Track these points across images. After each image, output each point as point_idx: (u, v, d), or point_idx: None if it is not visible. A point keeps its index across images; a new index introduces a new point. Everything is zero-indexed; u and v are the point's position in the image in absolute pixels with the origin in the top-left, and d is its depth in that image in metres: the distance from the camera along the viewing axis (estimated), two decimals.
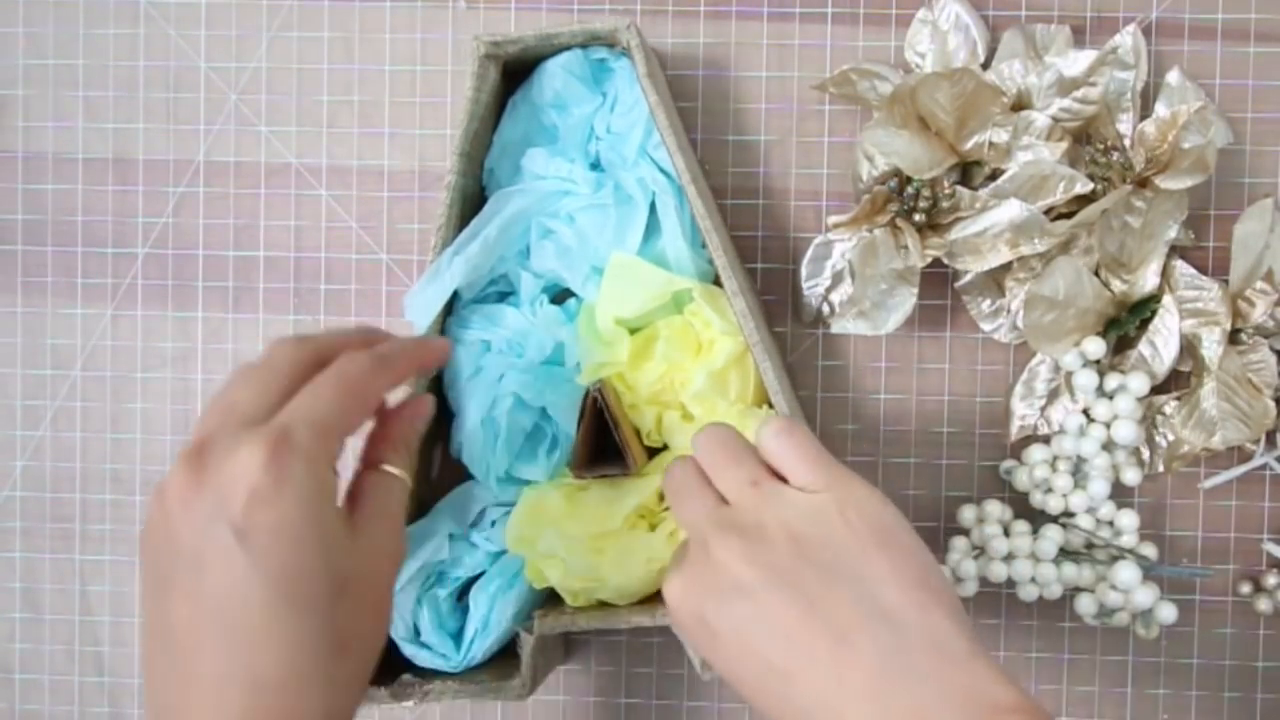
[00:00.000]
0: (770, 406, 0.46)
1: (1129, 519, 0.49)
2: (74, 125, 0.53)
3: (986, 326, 0.50)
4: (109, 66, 0.53)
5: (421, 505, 0.48)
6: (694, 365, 0.46)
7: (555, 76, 0.47)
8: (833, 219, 0.48)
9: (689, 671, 0.52)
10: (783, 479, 0.37)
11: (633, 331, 0.47)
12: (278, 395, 0.36)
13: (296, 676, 0.33)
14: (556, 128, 0.48)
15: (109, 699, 0.54)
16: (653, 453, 0.48)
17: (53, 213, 0.53)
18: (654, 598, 0.46)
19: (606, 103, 0.48)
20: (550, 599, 0.48)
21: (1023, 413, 0.50)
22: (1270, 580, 0.50)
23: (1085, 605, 0.49)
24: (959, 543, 0.49)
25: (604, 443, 0.48)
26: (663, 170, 0.47)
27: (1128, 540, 0.49)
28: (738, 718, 0.52)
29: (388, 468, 0.39)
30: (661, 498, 0.47)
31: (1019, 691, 0.32)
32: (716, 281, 0.47)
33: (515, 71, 0.48)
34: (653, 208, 0.47)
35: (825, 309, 0.50)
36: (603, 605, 0.46)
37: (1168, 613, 0.48)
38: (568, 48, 0.47)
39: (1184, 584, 0.51)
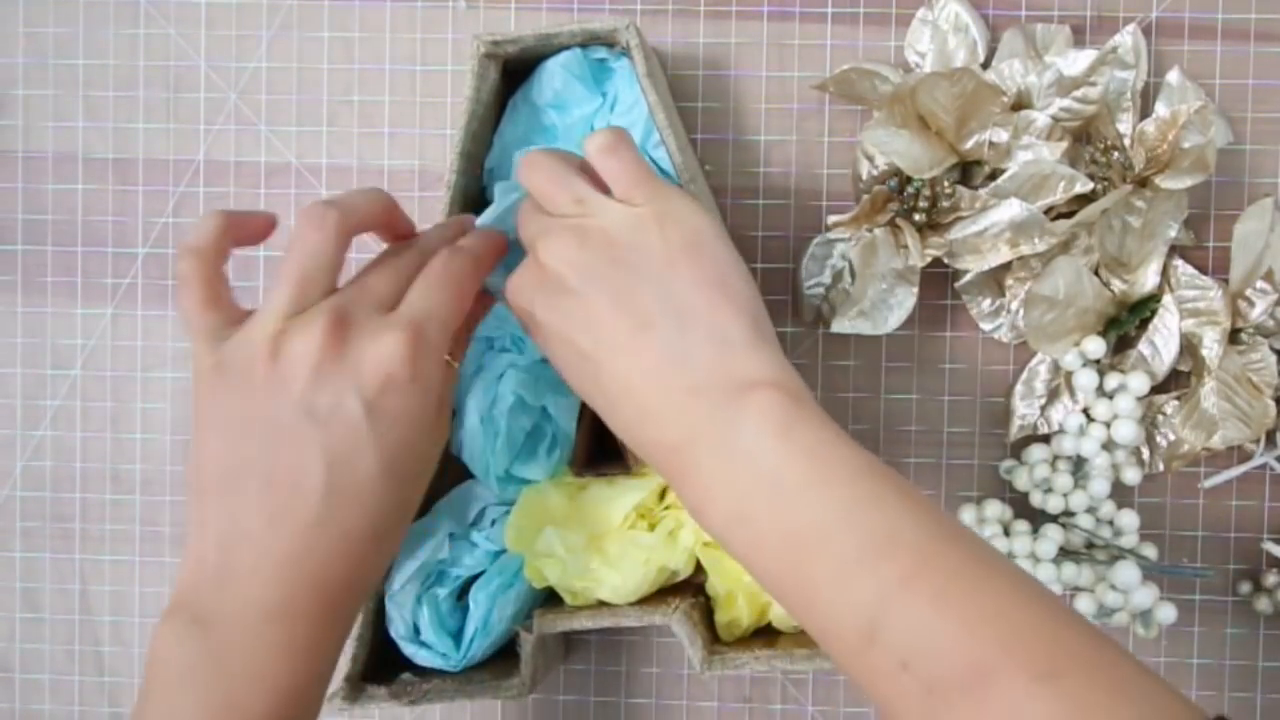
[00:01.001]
0: None
1: (1129, 519, 0.49)
2: (74, 125, 0.53)
3: (986, 326, 0.50)
4: (109, 66, 0.53)
5: (422, 504, 0.48)
6: None
7: (555, 76, 0.47)
8: (833, 218, 0.48)
9: (689, 671, 0.52)
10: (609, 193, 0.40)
11: None
12: (404, 283, 0.40)
13: (375, 534, 0.38)
14: (556, 128, 0.48)
15: (109, 699, 0.54)
16: None
17: (53, 212, 0.53)
18: (653, 597, 0.46)
19: (606, 103, 0.48)
20: (550, 598, 0.48)
21: (1023, 412, 0.50)
22: (1270, 580, 0.50)
23: (1085, 605, 0.48)
24: None
25: (604, 442, 0.48)
26: (663, 170, 0.46)
27: (1128, 540, 0.49)
28: (737, 717, 0.52)
29: (449, 359, 0.41)
30: (661, 496, 0.47)
31: (777, 368, 0.37)
32: None
33: (515, 71, 0.48)
34: None
35: (825, 308, 0.50)
36: (602, 604, 0.46)
37: (1167, 613, 0.48)
38: (567, 47, 0.47)
39: (1184, 584, 0.51)
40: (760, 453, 0.35)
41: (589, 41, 0.47)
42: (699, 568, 0.47)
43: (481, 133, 0.47)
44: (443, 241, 0.42)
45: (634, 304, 0.37)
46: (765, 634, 0.48)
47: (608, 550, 0.45)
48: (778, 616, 0.47)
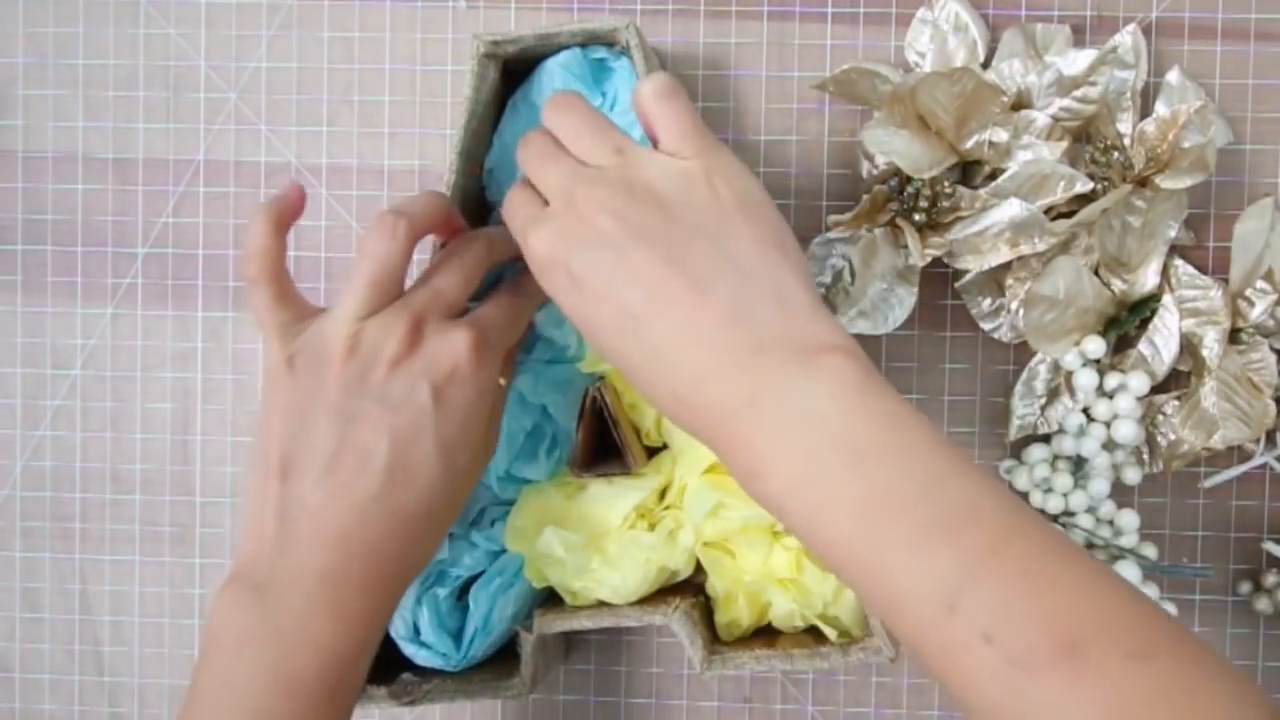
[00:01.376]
0: None
1: (1129, 519, 0.49)
2: (74, 125, 0.53)
3: (986, 326, 0.50)
4: (109, 66, 0.53)
5: None
6: None
7: (555, 76, 0.47)
8: (833, 218, 0.48)
9: (688, 671, 0.52)
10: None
11: None
12: (472, 288, 0.42)
13: (427, 514, 0.39)
14: None
15: (109, 699, 0.54)
16: (652, 452, 0.48)
17: (53, 212, 0.54)
18: (653, 597, 0.46)
19: (606, 102, 0.48)
20: (550, 598, 0.48)
21: (1022, 412, 0.50)
22: (1270, 580, 0.50)
23: None
24: None
25: (604, 442, 0.48)
26: None
27: (1128, 540, 0.49)
28: (737, 717, 0.53)
29: (501, 380, 0.43)
30: (661, 496, 0.47)
31: (845, 336, 0.36)
32: None
33: (515, 71, 0.48)
34: None
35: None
36: (602, 604, 0.46)
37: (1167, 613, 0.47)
38: (567, 47, 0.47)
39: (1184, 584, 0.51)
40: (833, 415, 0.34)
41: (589, 41, 0.47)
42: (699, 568, 0.47)
43: (481, 132, 0.47)
44: (507, 240, 0.42)
45: (690, 261, 0.36)
46: (765, 634, 0.48)
47: (608, 550, 0.46)
48: (778, 616, 0.47)
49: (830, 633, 0.46)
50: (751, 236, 0.37)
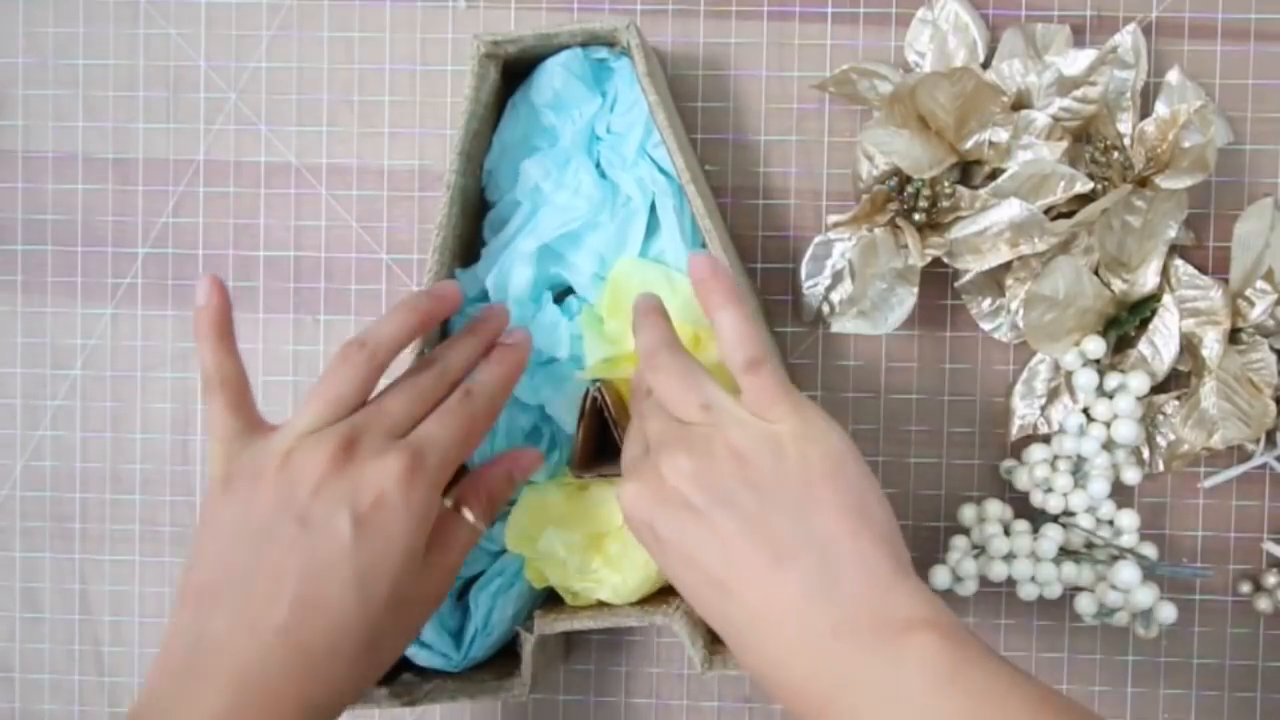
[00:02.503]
0: None
1: (1129, 519, 0.49)
2: (74, 125, 0.53)
3: (986, 326, 0.50)
4: (109, 66, 0.53)
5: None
6: None
7: (555, 76, 0.47)
8: (833, 218, 0.49)
9: (689, 671, 0.52)
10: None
11: None
12: (420, 412, 0.41)
13: (333, 652, 0.37)
14: (556, 129, 0.48)
15: (109, 698, 0.54)
16: None
17: (53, 212, 0.54)
18: (654, 597, 0.46)
19: (606, 102, 0.48)
20: (551, 598, 0.48)
21: (1023, 412, 0.50)
22: (1270, 579, 0.50)
23: (1085, 604, 0.49)
24: (959, 541, 0.50)
25: (604, 442, 0.48)
26: (662, 170, 0.47)
27: (1128, 540, 0.49)
28: (737, 717, 0.53)
29: (469, 515, 0.42)
30: None
31: (933, 609, 0.35)
32: None
33: (515, 73, 0.48)
34: (653, 208, 0.47)
35: (825, 308, 0.50)
36: (602, 604, 0.46)
37: (1168, 613, 0.48)
38: (567, 47, 0.47)
39: (1184, 584, 0.51)
40: (925, 701, 0.33)
41: (589, 41, 0.47)
42: None
43: (481, 132, 0.47)
44: (465, 362, 0.42)
45: (769, 532, 0.36)
46: None
47: (608, 550, 0.46)
48: None
49: None
50: (834, 505, 0.36)
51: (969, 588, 0.49)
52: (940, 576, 0.49)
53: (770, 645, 0.35)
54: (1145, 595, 0.48)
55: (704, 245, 0.46)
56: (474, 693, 0.45)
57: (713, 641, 0.46)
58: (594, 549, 0.46)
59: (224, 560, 0.38)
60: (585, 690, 0.53)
